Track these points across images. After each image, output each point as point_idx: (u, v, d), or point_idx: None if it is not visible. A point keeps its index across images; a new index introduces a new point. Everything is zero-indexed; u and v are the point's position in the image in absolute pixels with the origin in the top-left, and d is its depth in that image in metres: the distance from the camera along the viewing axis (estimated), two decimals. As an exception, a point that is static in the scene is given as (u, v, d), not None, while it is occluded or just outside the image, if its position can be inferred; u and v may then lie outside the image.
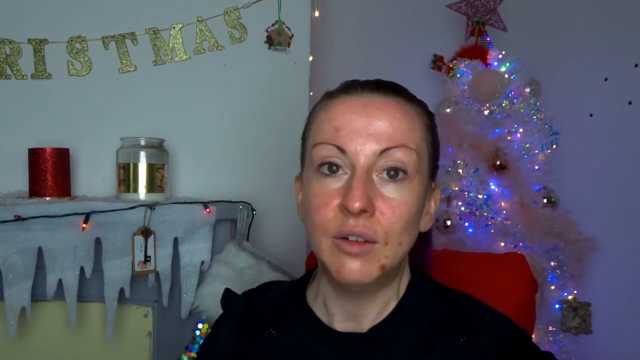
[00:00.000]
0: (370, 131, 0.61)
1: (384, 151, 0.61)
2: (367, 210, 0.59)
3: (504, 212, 1.79)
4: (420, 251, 0.74)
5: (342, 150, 0.61)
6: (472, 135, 1.82)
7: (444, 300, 0.69)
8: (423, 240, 0.74)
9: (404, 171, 0.62)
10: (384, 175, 0.62)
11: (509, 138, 1.83)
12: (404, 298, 0.69)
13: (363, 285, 0.62)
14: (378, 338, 0.66)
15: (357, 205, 0.58)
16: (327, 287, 0.70)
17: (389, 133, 0.61)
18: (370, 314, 0.68)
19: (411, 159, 0.62)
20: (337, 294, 0.68)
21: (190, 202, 1.30)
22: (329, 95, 0.68)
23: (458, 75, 1.88)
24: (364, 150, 0.61)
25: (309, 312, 0.71)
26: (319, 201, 0.62)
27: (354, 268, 0.60)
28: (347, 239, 0.60)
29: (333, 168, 0.62)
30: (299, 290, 0.75)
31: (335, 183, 0.62)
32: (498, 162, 1.79)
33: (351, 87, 0.66)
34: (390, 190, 0.61)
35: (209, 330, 0.84)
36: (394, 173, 0.61)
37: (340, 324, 0.68)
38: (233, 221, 1.39)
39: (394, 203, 0.61)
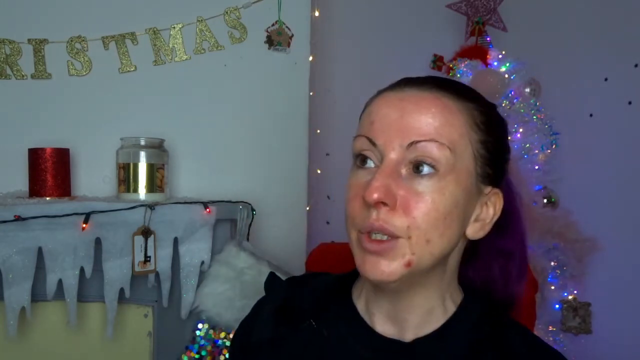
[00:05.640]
0: (401, 125, 0.60)
1: (411, 144, 0.59)
2: (385, 203, 0.58)
3: (504, 212, 1.78)
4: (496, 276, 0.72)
5: (373, 142, 0.61)
6: (472, 135, 1.82)
7: (491, 327, 0.66)
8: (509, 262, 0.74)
9: (432, 166, 0.59)
10: (411, 169, 0.60)
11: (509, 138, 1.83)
12: (455, 317, 0.66)
13: (388, 283, 0.61)
14: (422, 353, 0.64)
15: (372, 196, 0.57)
16: (368, 285, 0.69)
17: (419, 127, 0.60)
18: (412, 320, 0.65)
19: (442, 155, 0.59)
20: (375, 292, 0.67)
21: (190, 202, 1.30)
22: (378, 92, 0.67)
23: (458, 75, 1.88)
24: (392, 143, 0.60)
25: (353, 309, 0.70)
26: (350, 193, 0.63)
27: (374, 265, 0.60)
28: (369, 234, 0.60)
29: (364, 160, 0.62)
30: (345, 284, 0.73)
31: (366, 176, 0.62)
32: (498, 162, 1.79)
33: (397, 84, 0.65)
34: (417, 185, 0.59)
35: (236, 326, 0.81)
36: (419, 167, 0.60)
37: (381, 326, 0.67)
38: (233, 221, 1.39)
39: (419, 197, 0.59)
